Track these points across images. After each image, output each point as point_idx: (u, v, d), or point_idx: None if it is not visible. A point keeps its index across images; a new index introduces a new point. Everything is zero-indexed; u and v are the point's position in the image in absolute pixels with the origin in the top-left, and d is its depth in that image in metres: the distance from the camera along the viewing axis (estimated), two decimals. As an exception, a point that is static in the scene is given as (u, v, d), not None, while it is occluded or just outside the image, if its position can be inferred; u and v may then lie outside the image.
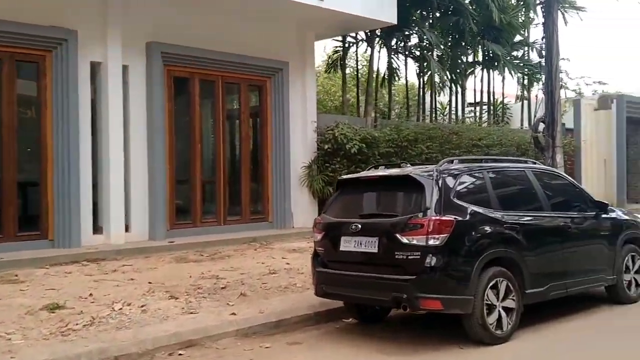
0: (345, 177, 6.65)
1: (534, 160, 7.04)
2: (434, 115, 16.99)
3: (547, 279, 5.97)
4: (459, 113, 17.15)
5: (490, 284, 5.40)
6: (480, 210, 5.62)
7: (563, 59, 22.51)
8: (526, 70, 16.69)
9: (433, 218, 5.27)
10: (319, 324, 6.16)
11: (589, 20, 54.12)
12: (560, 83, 16.40)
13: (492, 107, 17.71)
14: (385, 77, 15.54)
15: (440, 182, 5.53)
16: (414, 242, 5.26)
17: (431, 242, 5.22)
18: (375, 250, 5.53)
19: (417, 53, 15.53)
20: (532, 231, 5.98)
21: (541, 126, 11.61)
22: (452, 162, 6.04)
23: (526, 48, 17.70)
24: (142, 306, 6.06)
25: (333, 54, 15.16)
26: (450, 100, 16.48)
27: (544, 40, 11.86)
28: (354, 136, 11.64)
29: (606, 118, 17.04)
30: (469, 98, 18.65)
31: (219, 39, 10.74)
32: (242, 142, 11.46)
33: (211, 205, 11.09)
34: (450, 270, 5.25)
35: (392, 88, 19.58)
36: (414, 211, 5.44)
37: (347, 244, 5.74)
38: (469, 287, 5.26)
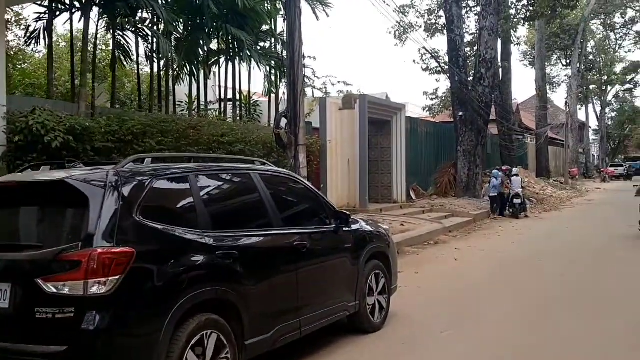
0: (-32, 184, 4.30)
1: (263, 161, 5.50)
2: (173, 107, 14.95)
3: (276, 319, 4.47)
4: (203, 106, 15.42)
5: (193, 342, 3.68)
6: (179, 232, 3.86)
7: (310, 57, 22.36)
8: (273, 62, 15.66)
9: (99, 250, 3.35)
10: None
11: (335, 20, 57.48)
12: (307, 81, 15.87)
13: (240, 102, 16.36)
14: (112, 57, 13.03)
15: (117, 191, 3.62)
16: (66, 290, 3.31)
17: (94, 289, 3.31)
18: (6, 304, 3.42)
19: (149, 32, 13.33)
20: (256, 257, 4.41)
21: (283, 122, 10.40)
22: (142, 160, 4.14)
23: (273, 40, 16.74)
24: None
25: (36, 22, 12.11)
26: (190, 91, 14.63)
27: (286, 23, 10.68)
28: (57, 126, 9.01)
29: (350, 118, 16.97)
30: (217, 91, 17.10)
31: None
32: None
33: None
34: (123, 334, 3.38)
35: (132, 74, 17.05)
36: (69, 240, 3.44)
37: (-38, 295, 3.52)
38: (156, 354, 3.45)
